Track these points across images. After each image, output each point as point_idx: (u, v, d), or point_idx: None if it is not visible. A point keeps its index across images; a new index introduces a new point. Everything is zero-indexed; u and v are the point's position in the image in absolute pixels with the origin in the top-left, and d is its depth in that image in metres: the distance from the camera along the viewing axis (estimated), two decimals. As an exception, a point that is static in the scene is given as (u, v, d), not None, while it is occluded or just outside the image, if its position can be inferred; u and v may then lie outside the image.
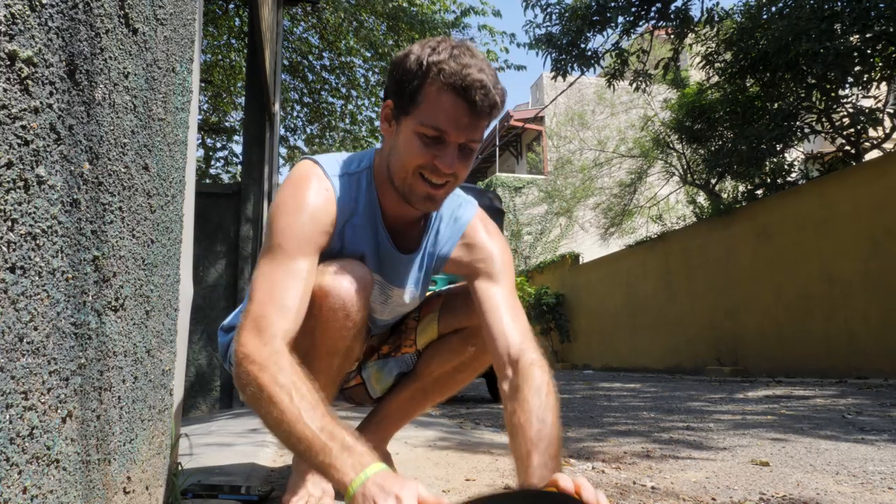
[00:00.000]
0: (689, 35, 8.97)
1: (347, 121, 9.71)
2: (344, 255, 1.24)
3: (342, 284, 1.13)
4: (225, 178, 11.46)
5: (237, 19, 8.36)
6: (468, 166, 1.15)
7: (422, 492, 0.84)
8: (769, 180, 9.19)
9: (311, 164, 1.23)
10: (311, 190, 1.18)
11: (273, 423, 0.96)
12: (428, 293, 1.48)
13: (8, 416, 0.55)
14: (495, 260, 1.29)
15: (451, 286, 1.48)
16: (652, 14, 8.61)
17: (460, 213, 1.35)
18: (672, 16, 8.51)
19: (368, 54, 8.43)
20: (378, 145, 1.31)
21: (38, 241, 0.60)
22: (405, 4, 7.68)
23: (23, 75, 0.57)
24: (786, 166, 9.22)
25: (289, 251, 1.12)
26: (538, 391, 1.13)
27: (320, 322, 1.17)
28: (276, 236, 1.14)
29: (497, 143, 19.76)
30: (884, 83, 7.93)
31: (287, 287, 1.09)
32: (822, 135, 8.64)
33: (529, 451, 1.06)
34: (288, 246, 1.12)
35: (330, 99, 9.57)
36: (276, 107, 5.38)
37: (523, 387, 1.13)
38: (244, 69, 6.79)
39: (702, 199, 11.46)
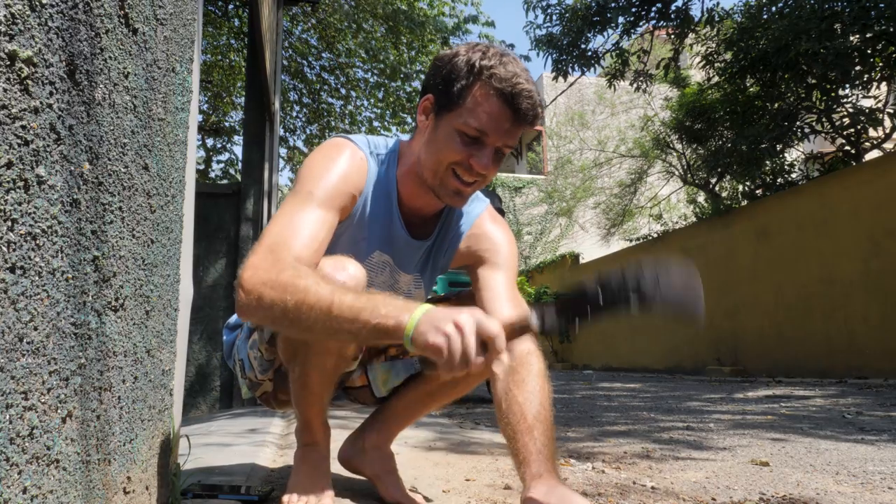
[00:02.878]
0: (690, 35, 8.97)
1: (347, 121, 9.71)
2: (357, 230, 1.25)
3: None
4: (225, 180, 11.46)
5: (237, 19, 8.36)
6: (497, 169, 1.20)
7: (478, 316, 0.91)
8: (769, 180, 9.19)
9: (345, 139, 1.27)
10: (345, 155, 1.22)
11: (304, 310, 0.95)
12: (430, 295, 1.49)
13: (8, 416, 0.55)
14: (500, 251, 1.33)
15: (461, 290, 1.48)
16: (652, 14, 8.61)
17: (471, 209, 1.38)
18: (672, 16, 8.51)
19: (366, 55, 8.43)
20: (401, 136, 1.34)
21: (38, 241, 0.60)
22: (405, 7, 7.67)
23: (23, 75, 0.57)
24: (786, 166, 9.22)
25: (317, 198, 1.14)
26: (536, 376, 1.16)
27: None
28: (307, 183, 1.16)
29: (497, 143, 19.73)
30: (884, 83, 7.93)
31: (310, 226, 1.10)
32: (822, 135, 8.64)
33: (531, 427, 1.09)
34: (317, 193, 1.14)
35: (329, 99, 9.58)
36: (276, 107, 5.38)
37: (520, 370, 1.16)
38: (244, 69, 6.79)
39: (702, 198, 11.46)
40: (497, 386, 1.16)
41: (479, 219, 1.37)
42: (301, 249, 1.05)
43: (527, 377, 1.15)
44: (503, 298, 1.25)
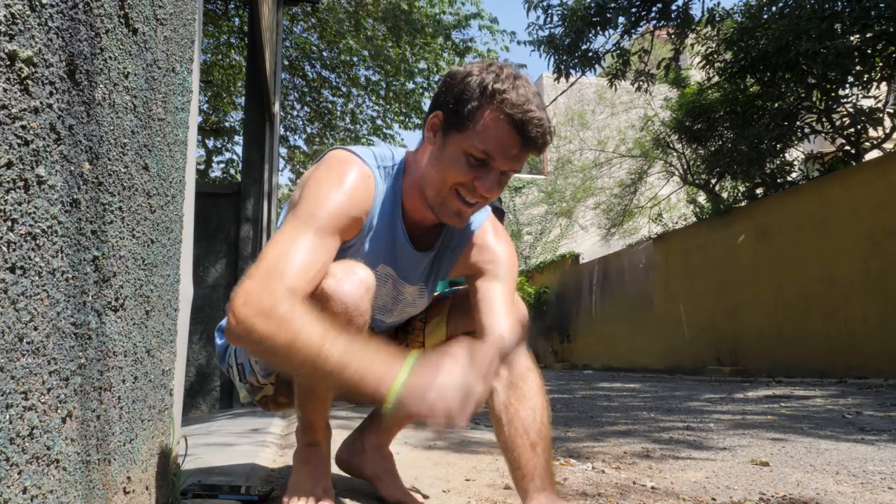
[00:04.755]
0: (690, 35, 8.96)
1: (348, 119, 9.71)
2: (360, 245, 1.25)
3: (344, 288, 1.12)
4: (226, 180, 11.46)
5: (237, 18, 8.36)
6: (501, 191, 1.19)
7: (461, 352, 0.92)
8: (769, 180, 9.19)
9: (350, 153, 1.24)
10: (352, 173, 1.19)
11: (293, 352, 0.93)
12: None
13: (8, 416, 0.55)
14: (501, 263, 1.33)
15: (457, 288, 1.49)
16: (652, 14, 8.61)
17: (473, 217, 1.38)
18: (673, 15, 8.51)
19: (367, 54, 8.42)
20: (399, 147, 1.33)
21: (38, 241, 0.60)
22: (405, 6, 7.65)
23: (23, 75, 0.57)
24: (786, 166, 9.22)
25: (319, 222, 1.10)
26: (537, 393, 1.18)
27: None
28: (310, 204, 1.12)
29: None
30: (884, 83, 7.92)
31: (307, 253, 1.07)
32: (822, 135, 8.64)
33: (534, 444, 1.11)
34: (320, 216, 1.11)
35: (331, 98, 9.58)
36: (276, 107, 5.39)
37: (521, 385, 1.18)
38: (244, 69, 6.80)
39: (702, 198, 11.46)
40: (496, 399, 1.18)
41: (482, 229, 1.37)
42: (295, 280, 1.02)
43: (528, 393, 1.17)
44: (500, 313, 1.26)
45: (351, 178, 1.18)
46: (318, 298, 1.11)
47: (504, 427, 1.15)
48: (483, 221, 1.38)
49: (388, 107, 9.31)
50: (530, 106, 1.11)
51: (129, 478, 0.87)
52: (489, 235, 1.36)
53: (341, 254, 1.20)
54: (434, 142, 1.19)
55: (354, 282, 1.12)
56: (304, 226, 1.09)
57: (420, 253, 1.31)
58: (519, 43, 8.81)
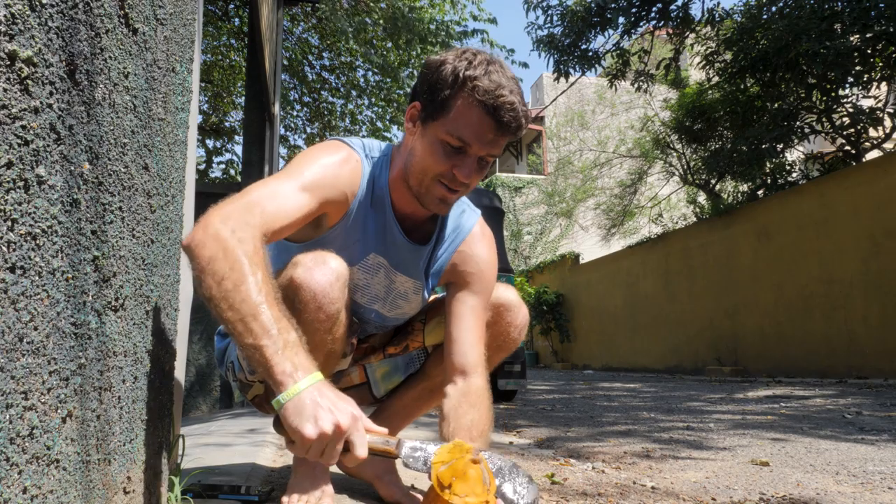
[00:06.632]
0: (690, 35, 8.97)
1: (347, 120, 9.70)
2: (350, 233, 1.26)
3: (313, 277, 1.13)
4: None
5: (237, 19, 8.36)
6: (481, 176, 1.21)
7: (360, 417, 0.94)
8: (769, 180, 9.19)
9: (342, 141, 1.28)
10: (341, 154, 1.23)
11: (227, 289, 0.94)
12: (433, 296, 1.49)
13: (8, 416, 0.55)
14: (483, 277, 1.36)
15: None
16: (652, 14, 8.61)
17: (463, 221, 1.39)
18: (672, 16, 8.51)
19: (367, 54, 8.42)
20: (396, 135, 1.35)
21: (38, 241, 0.60)
22: (409, 13, 7.63)
23: (23, 75, 0.57)
24: (786, 166, 9.22)
25: (306, 181, 1.14)
26: (486, 410, 1.29)
27: (293, 316, 1.17)
28: (300, 165, 1.17)
29: (497, 143, 19.74)
30: (884, 83, 7.93)
31: (288, 203, 1.10)
32: (822, 135, 8.65)
33: (473, 441, 1.22)
34: (307, 177, 1.15)
35: (330, 98, 9.58)
36: (276, 107, 5.39)
37: (474, 399, 1.28)
38: (244, 69, 6.80)
39: (702, 199, 11.47)
40: (447, 403, 1.27)
41: (471, 235, 1.38)
42: (271, 222, 1.06)
43: (478, 405, 1.26)
44: (472, 325, 1.31)
45: (339, 157, 1.22)
46: (289, 288, 1.13)
47: (450, 424, 1.23)
48: (472, 226, 1.39)
49: (387, 107, 9.30)
50: (502, 91, 1.12)
51: (129, 478, 0.87)
52: (476, 245, 1.38)
53: (333, 240, 1.22)
54: (413, 132, 1.22)
55: (325, 271, 1.14)
56: (291, 179, 1.13)
57: (413, 244, 1.32)
58: (514, 62, 8.81)
